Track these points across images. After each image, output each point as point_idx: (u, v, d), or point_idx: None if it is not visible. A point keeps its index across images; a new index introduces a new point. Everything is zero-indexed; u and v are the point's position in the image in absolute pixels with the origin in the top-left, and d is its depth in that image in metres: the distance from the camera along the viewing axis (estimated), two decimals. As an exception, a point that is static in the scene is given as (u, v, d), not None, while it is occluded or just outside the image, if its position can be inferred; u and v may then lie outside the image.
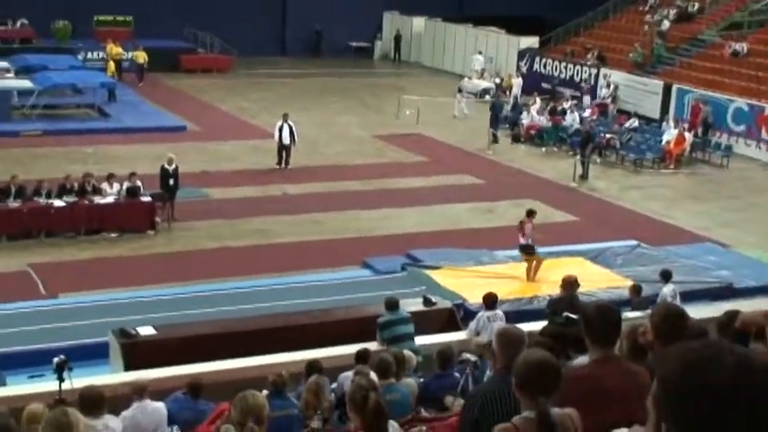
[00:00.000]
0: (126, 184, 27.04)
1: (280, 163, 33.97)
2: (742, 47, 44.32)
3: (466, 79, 51.13)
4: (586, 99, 45.45)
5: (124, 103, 43.56)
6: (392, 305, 16.66)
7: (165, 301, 21.26)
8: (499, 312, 17.52)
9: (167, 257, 25.21)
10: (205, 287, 22.60)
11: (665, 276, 20.65)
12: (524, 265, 23.57)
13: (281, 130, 33.93)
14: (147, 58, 49.54)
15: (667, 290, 20.20)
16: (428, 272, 23.43)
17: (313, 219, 28.64)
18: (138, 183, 27.13)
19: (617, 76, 46.21)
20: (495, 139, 39.57)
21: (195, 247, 26.01)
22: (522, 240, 23.23)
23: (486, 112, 42.44)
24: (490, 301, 17.69)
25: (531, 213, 23.75)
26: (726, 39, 45.89)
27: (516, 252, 24.38)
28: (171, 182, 27.82)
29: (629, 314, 15.64)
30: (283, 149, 33.96)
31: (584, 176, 34.50)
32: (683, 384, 2.61)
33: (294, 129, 34.11)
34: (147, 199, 27.13)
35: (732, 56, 44.36)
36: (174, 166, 28.00)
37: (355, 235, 27.47)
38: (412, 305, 18.80)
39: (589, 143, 35.67)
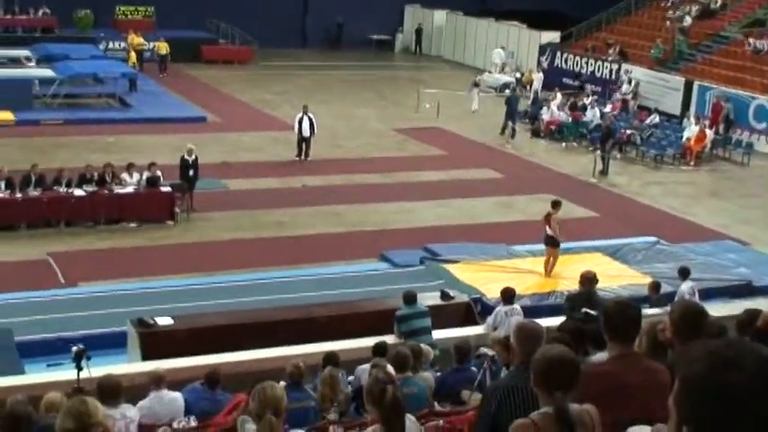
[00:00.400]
0: (146, 174, 27.09)
1: (300, 155, 33.87)
2: (763, 44, 44.11)
3: (486, 73, 51.03)
4: (616, 95, 45.07)
5: (145, 93, 43.65)
6: (410, 299, 16.68)
7: (183, 291, 21.29)
8: (517, 307, 17.50)
9: (186, 248, 25.25)
10: (223, 278, 22.65)
11: (684, 273, 20.56)
12: (542, 259, 23.50)
13: (300, 121, 33.86)
14: (169, 49, 49.40)
15: (685, 287, 20.11)
16: (446, 266, 23.37)
17: (332, 211, 28.65)
18: (158, 173, 27.17)
19: (638, 72, 46.02)
20: (513, 134, 39.52)
21: (214, 237, 26.05)
22: (549, 232, 23.16)
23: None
24: (508, 295, 17.65)
25: (556, 205, 23.51)
26: (747, 36, 45.70)
27: (534, 246, 24.38)
28: (191, 172, 27.86)
29: (647, 311, 15.57)
30: (303, 141, 33.88)
31: (604, 172, 34.40)
32: (703, 385, 2.61)
33: (314, 121, 34.04)
34: (166, 189, 27.17)
35: (753, 53, 44.15)
36: (193, 156, 28.05)
37: (374, 228, 27.46)
38: (430, 299, 18.85)
39: (610, 139, 35.57)
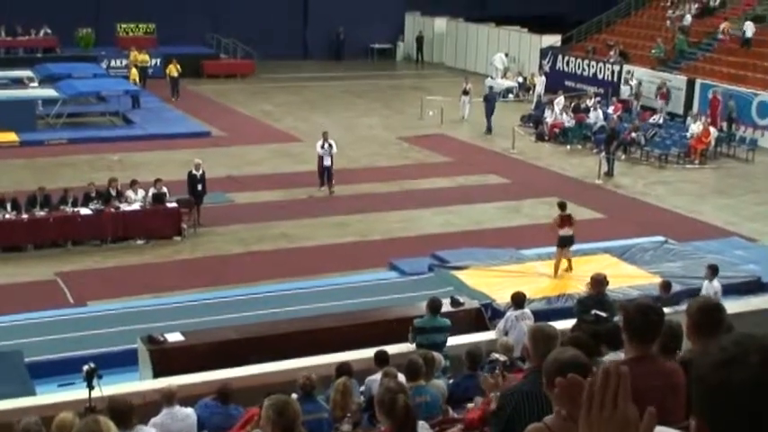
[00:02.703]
0: (152, 191, 27.07)
1: (322, 185, 31.49)
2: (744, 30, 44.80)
3: (489, 78, 50.99)
4: (634, 103, 44.94)
5: (148, 110, 43.64)
6: (435, 308, 16.35)
7: (192, 306, 21.26)
8: (527, 311, 17.41)
9: (194, 263, 25.26)
10: (232, 292, 22.60)
11: (714, 271, 20.57)
12: (552, 262, 23.48)
13: (322, 149, 31.30)
14: (180, 70, 47.85)
15: (717, 285, 20.20)
16: (455, 272, 23.30)
17: (339, 221, 28.65)
18: (164, 189, 27.17)
19: (640, 72, 45.99)
20: (488, 131, 41.12)
21: (221, 252, 26.06)
22: (561, 232, 23.14)
23: (510, 111, 42.45)
24: (518, 300, 17.59)
25: (562, 206, 23.61)
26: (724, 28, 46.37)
27: (542, 250, 24.41)
28: (199, 187, 27.83)
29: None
30: (325, 171, 31.40)
31: (609, 173, 34.36)
32: (709, 383, 2.60)
33: (334, 148, 31.39)
34: (173, 205, 27.16)
35: (743, 44, 44.60)
36: (201, 171, 28.01)
37: (381, 237, 27.48)
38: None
39: (614, 140, 35.51)
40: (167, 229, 26.82)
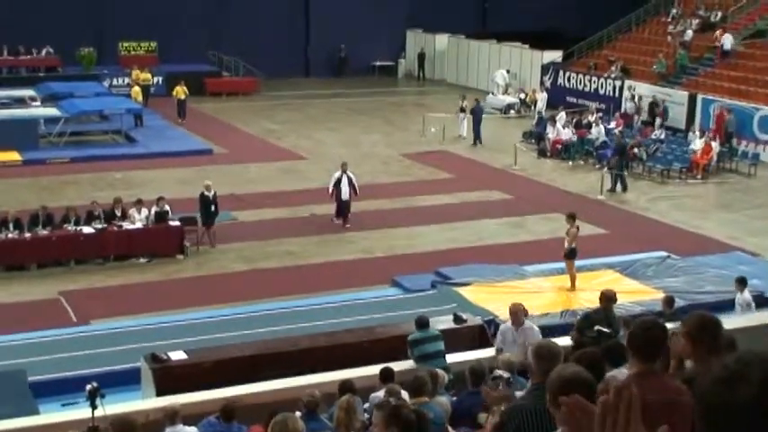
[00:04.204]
0: (154, 209, 27.06)
1: (338, 217, 29.95)
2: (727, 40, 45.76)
3: (490, 95, 51.05)
4: (636, 118, 44.97)
5: (151, 128, 43.68)
6: (422, 324, 16.56)
7: (195, 325, 21.24)
8: (531, 326, 17.10)
9: (197, 281, 25.24)
10: (235, 310, 22.60)
11: (742, 283, 20.60)
12: (555, 278, 23.50)
13: (338, 182, 29.61)
14: (188, 93, 47.22)
15: (748, 296, 20.26)
16: (458, 289, 23.32)
17: (341, 238, 28.67)
18: (167, 207, 27.15)
19: (642, 87, 46.02)
20: (475, 142, 42.16)
21: (225, 270, 26.04)
22: (574, 244, 23.30)
23: (512, 127, 42.50)
24: (514, 312, 17.30)
25: (573, 217, 23.79)
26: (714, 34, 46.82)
27: (546, 266, 24.47)
28: (212, 208, 27.67)
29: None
30: (342, 204, 29.82)
31: (624, 189, 34.39)
32: (711, 401, 2.63)
33: (354, 180, 29.92)
34: (175, 223, 27.16)
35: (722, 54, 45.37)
36: (213, 192, 27.86)
37: (385, 253, 27.47)
38: (442, 323, 18.73)
39: (624, 155, 35.44)
40: (170, 248, 26.81)
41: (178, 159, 37.98)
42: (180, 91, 46.70)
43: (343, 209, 29.78)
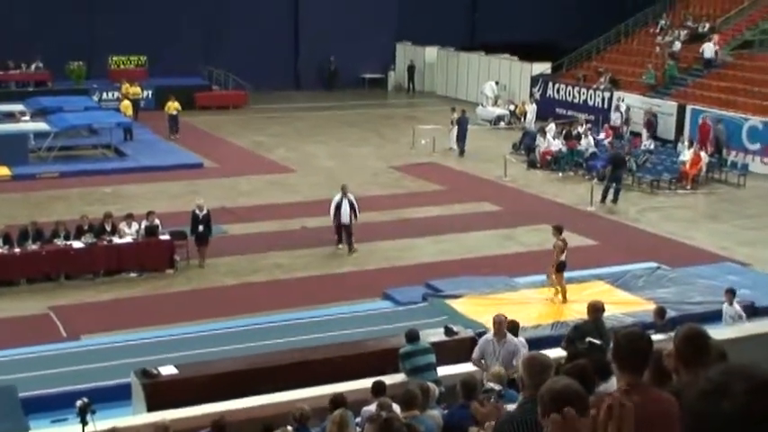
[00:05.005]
0: (144, 223, 27.00)
1: (339, 242, 28.91)
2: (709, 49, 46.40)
3: (480, 107, 51.11)
4: (624, 129, 45.04)
5: (140, 141, 43.63)
6: (413, 337, 16.52)
7: (186, 339, 21.19)
8: (514, 339, 17.01)
9: (188, 295, 25.18)
10: (226, 324, 22.50)
11: (732, 294, 20.68)
12: (545, 291, 23.55)
13: (338, 206, 28.67)
14: (180, 109, 46.84)
15: (738, 308, 20.34)
16: (449, 301, 23.33)
17: (332, 252, 28.62)
18: (157, 221, 27.09)
19: (630, 98, 46.08)
20: (461, 152, 42.37)
21: (215, 284, 26.00)
22: (563, 257, 23.35)
23: (502, 139, 42.53)
24: (498, 322, 17.10)
25: (559, 229, 23.82)
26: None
27: (536, 278, 24.45)
28: (200, 228, 27.29)
29: (654, 337, 15.47)
30: (342, 228, 28.84)
31: (615, 200, 34.27)
32: (695, 412, 2.66)
33: (355, 203, 28.94)
34: (165, 237, 27.11)
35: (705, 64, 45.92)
36: (204, 211, 27.54)
37: (376, 266, 27.46)
38: (434, 335, 18.72)
39: (621, 168, 35.14)
40: (160, 262, 26.77)
41: (168, 173, 37.91)
42: (171, 106, 46.45)
43: (345, 233, 28.81)
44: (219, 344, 20.61)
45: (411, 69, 62.21)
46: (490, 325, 20.26)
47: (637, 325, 18.62)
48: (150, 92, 52.56)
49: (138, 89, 50.43)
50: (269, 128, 48.86)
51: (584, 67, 53.02)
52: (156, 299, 24.87)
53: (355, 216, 28.76)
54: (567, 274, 23.81)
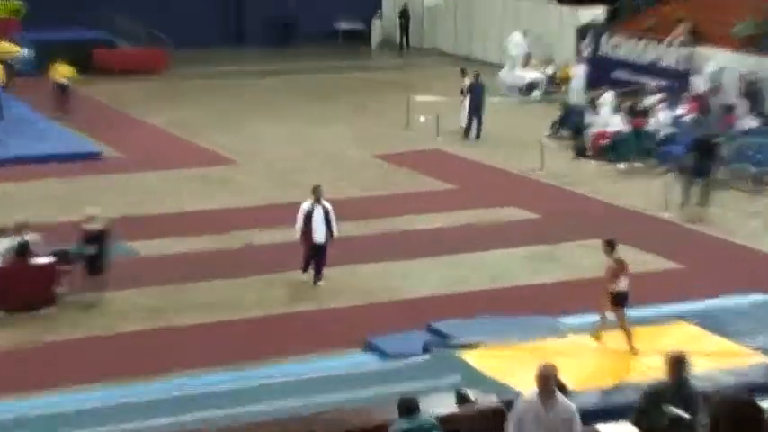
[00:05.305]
0: (14, 239, 26.40)
1: (306, 269, 28.60)
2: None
3: (504, 69, 51.04)
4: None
5: (14, 121, 43.78)
6: (409, 409, 16.17)
7: (71, 413, 20.72)
8: (569, 405, 16.41)
9: (73, 348, 24.68)
10: (131, 390, 22.04)
11: None
12: (605, 335, 23.49)
13: (309, 216, 28.28)
14: (74, 74, 46.88)
15: None
16: (462, 353, 23.09)
17: (291, 279, 28.42)
18: (30, 237, 26.44)
19: (722, 57, 45.86)
20: (478, 134, 43.17)
21: (115, 329, 25.55)
22: (621, 286, 23.15)
23: (535, 116, 42.40)
24: (543, 378, 16.59)
25: (612, 246, 23.70)
26: None
27: (591, 317, 24.13)
28: (93, 250, 26.82)
29: (764, 404, 14.96)
30: (315, 249, 28.52)
31: (703, 203, 34.21)
32: None
33: (331, 213, 28.54)
34: (43, 260, 26.54)
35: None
36: (99, 225, 27.08)
37: (353, 301, 27.29)
38: (440, 405, 18.65)
39: (709, 157, 35.15)
40: (35, 296, 26.25)
41: (51, 167, 38.08)
42: (60, 71, 46.60)
43: (315, 256, 28.48)
44: (120, 419, 20.20)
45: (404, 17, 62.69)
46: (522, 387, 19.86)
47: (741, 387, 18.19)
48: (29, 50, 52.70)
49: (14, 47, 50.23)
50: (198, 101, 49.39)
51: (654, 13, 52.86)
52: (27, 353, 24.26)
53: (331, 233, 28.45)
54: (635, 312, 23.69)
